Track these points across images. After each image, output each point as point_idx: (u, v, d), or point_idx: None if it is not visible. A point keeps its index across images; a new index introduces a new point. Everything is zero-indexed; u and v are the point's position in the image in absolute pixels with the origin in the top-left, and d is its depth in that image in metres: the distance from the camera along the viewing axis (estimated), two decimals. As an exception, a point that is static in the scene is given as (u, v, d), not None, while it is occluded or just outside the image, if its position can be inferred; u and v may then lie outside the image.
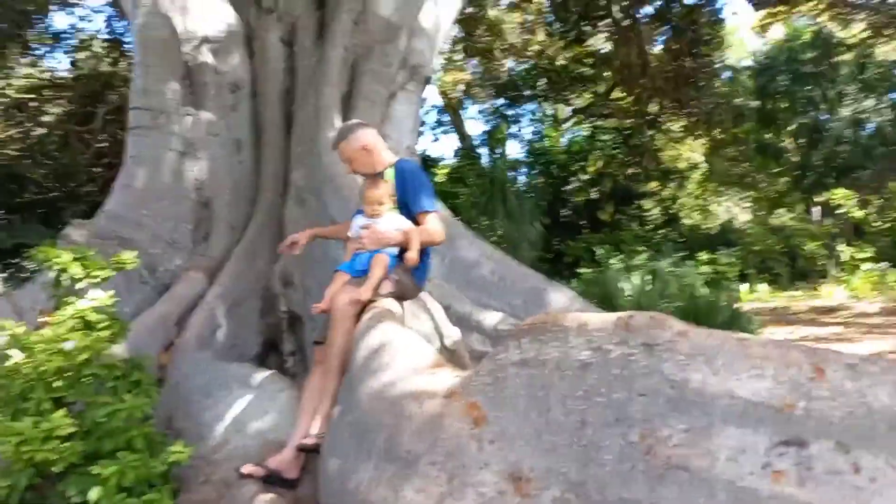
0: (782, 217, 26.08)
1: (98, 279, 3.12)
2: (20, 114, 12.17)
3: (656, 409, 1.82)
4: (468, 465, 2.02)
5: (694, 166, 23.16)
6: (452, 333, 4.81)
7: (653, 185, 22.15)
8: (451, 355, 4.79)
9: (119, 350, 4.50)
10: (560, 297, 5.66)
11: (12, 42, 10.79)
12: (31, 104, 12.52)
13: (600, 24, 14.16)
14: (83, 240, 5.20)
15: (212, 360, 4.09)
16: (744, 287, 15.41)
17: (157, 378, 4.85)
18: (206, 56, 6.04)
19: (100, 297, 3.05)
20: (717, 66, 12.49)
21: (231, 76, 6.11)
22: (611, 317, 1.97)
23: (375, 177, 3.50)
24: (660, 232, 22.28)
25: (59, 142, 12.75)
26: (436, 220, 3.49)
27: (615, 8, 12.36)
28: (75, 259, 3.04)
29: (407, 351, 2.51)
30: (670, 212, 20.93)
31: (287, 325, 5.65)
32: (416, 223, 3.43)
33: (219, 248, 5.70)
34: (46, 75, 12.50)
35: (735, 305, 8.44)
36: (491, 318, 4.97)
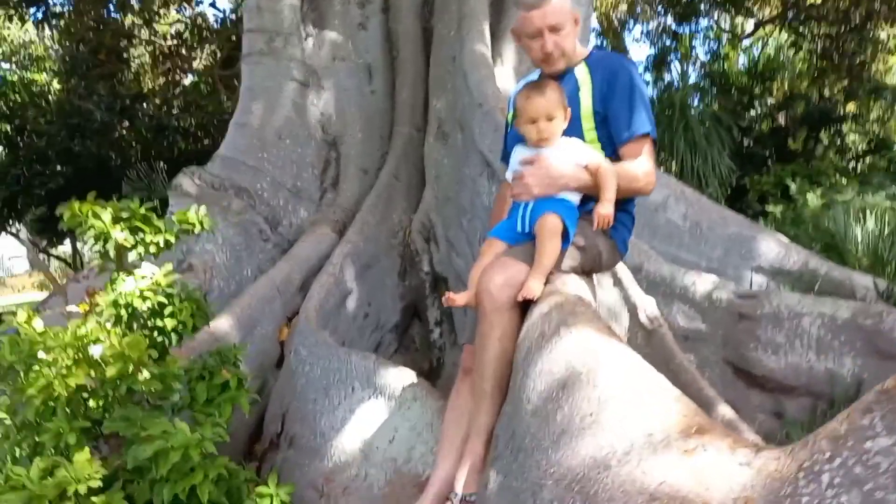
0: None
1: (154, 246, 2.17)
2: (168, 63, 11.97)
3: None
4: None
5: (907, 81, 19.55)
6: (647, 305, 3.56)
7: (851, 107, 18.93)
8: (647, 337, 3.56)
9: (227, 326, 3.69)
10: (771, 246, 4.27)
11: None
12: (179, 52, 12.28)
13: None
14: (196, 191, 4.43)
15: (332, 345, 3.13)
16: None
17: (276, 359, 4.05)
18: (329, -37, 5.00)
19: (152, 273, 2.11)
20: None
21: (358, -14, 5.04)
22: None
23: (545, 80, 2.25)
24: (865, 160, 19.09)
25: (207, 89, 12.52)
26: (650, 155, 2.22)
27: None
28: (117, 220, 2.11)
29: (631, 391, 1.32)
30: (878, 136, 17.80)
31: (430, 288, 4.64)
32: (616, 157, 2.21)
33: (349, 197, 4.75)
34: (190, 20, 12.15)
35: None
36: (702, 284, 3.64)
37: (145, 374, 1.91)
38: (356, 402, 2.75)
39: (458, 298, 2.05)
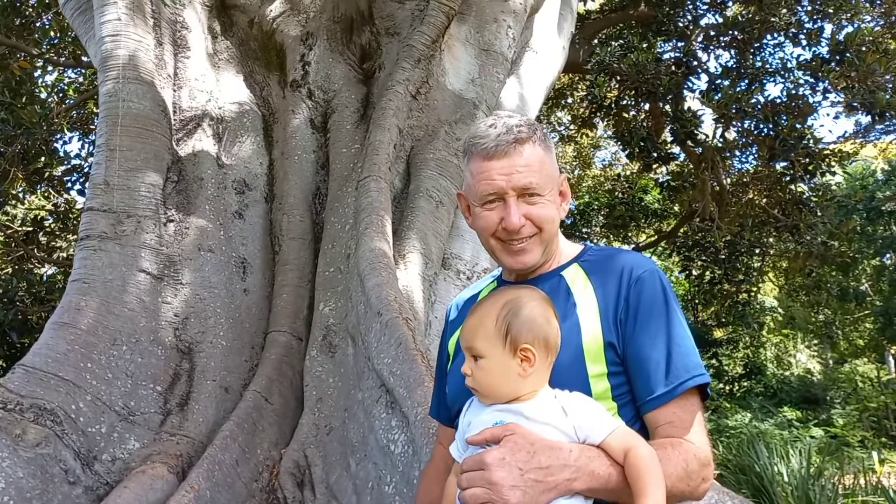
0: (860, 367, 23.14)
1: None
2: (23, 250, 10.65)
3: None
4: None
5: (770, 309, 20.80)
6: None
7: (719, 333, 19.64)
8: None
9: None
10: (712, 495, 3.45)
11: (16, 167, 9.41)
12: (37, 239, 11.06)
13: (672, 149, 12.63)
14: (-22, 411, 3.18)
15: None
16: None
17: None
18: (206, 142, 4.30)
19: None
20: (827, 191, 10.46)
21: (239, 171, 4.33)
22: None
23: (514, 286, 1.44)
24: (743, 384, 19.55)
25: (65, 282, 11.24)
26: (702, 424, 1.34)
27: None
28: None
29: None
30: (752, 361, 18.44)
31: (301, 554, 3.44)
32: (641, 426, 1.35)
33: (200, 423, 3.62)
34: (55, 208, 11.06)
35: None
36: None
37: None
38: None
39: None
